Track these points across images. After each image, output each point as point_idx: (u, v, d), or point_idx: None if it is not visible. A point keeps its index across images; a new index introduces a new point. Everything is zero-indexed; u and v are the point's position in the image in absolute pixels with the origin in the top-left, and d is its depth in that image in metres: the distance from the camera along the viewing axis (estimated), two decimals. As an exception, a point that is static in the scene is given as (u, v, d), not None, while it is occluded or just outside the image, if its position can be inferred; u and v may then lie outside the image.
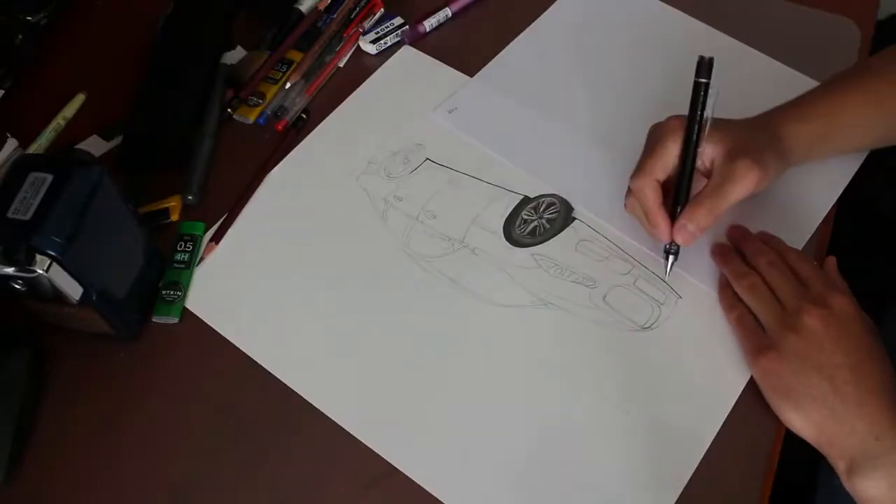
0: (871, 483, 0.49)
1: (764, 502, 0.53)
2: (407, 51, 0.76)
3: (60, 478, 0.55)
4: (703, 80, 0.57)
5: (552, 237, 0.63)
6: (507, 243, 0.63)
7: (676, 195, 0.58)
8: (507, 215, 0.65)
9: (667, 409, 0.55)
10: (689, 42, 0.73)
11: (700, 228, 0.56)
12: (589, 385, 0.56)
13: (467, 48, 0.75)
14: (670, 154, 0.57)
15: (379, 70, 0.74)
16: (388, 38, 0.75)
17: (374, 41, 0.75)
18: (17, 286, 0.51)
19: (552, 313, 0.60)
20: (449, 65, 0.74)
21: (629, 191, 0.59)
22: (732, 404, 0.55)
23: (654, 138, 0.58)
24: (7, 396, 0.55)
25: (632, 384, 0.56)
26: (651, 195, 0.57)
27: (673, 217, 0.57)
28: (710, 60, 0.57)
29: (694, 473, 0.53)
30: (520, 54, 0.74)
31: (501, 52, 0.74)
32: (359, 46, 0.76)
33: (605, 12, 0.77)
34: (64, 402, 0.57)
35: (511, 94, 0.71)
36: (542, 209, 0.65)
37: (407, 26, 0.76)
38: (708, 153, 0.57)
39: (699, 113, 0.56)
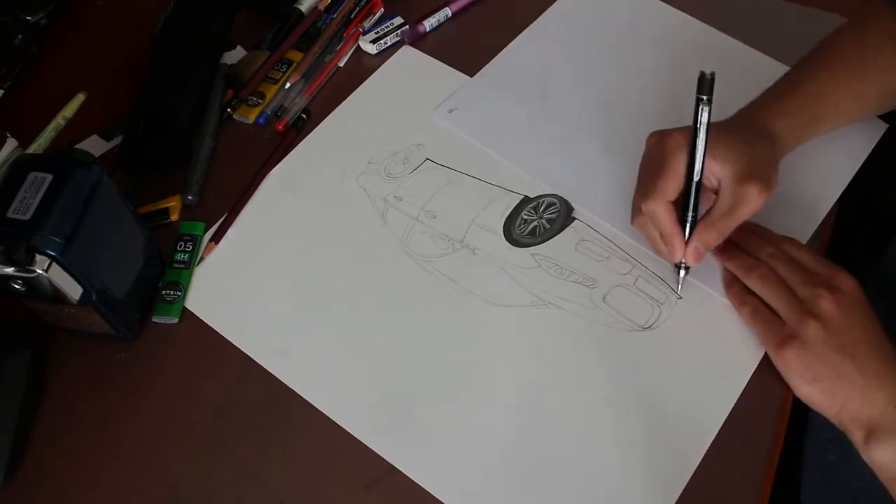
0: (889, 449, 0.50)
1: (764, 502, 0.53)
2: (407, 51, 0.75)
3: (60, 478, 0.55)
4: (705, 97, 0.55)
5: (552, 237, 0.63)
6: (507, 243, 0.63)
7: (683, 214, 0.58)
8: (507, 215, 0.65)
9: (667, 409, 0.55)
10: (690, 41, 0.73)
11: (709, 248, 0.58)
12: (589, 385, 0.56)
13: (467, 48, 0.75)
14: (679, 174, 0.57)
15: (379, 70, 0.74)
16: (388, 37, 0.75)
17: (374, 41, 0.75)
18: (17, 286, 0.51)
19: (552, 313, 0.60)
20: (449, 65, 0.74)
21: (638, 210, 0.59)
22: (733, 404, 0.55)
23: (660, 156, 0.58)
24: (7, 396, 0.55)
25: (632, 384, 0.56)
26: (667, 218, 0.57)
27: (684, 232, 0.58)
28: (712, 77, 0.55)
29: (694, 473, 0.53)
30: (519, 54, 0.74)
31: (501, 52, 0.74)
32: (359, 46, 0.76)
33: (604, 11, 0.77)
34: (64, 402, 0.57)
35: (511, 94, 0.71)
36: (542, 209, 0.64)
37: (407, 26, 0.76)
38: (715, 172, 0.57)
39: (704, 131, 0.56)
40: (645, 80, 0.71)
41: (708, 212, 0.58)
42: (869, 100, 0.64)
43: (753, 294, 0.58)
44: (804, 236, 0.62)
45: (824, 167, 0.65)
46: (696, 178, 0.56)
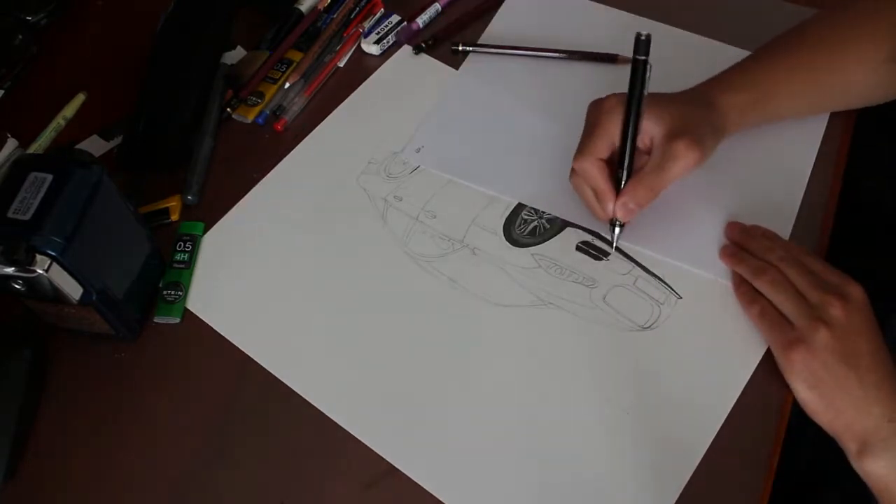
0: (880, 462, 0.50)
1: (764, 502, 0.53)
2: (406, 50, 0.76)
3: (60, 478, 0.55)
4: (643, 58, 0.56)
5: (552, 237, 0.63)
6: (507, 243, 0.63)
7: (618, 173, 0.59)
8: (507, 215, 0.65)
9: (666, 409, 0.55)
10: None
11: (640, 206, 0.58)
12: (589, 385, 0.56)
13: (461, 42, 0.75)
14: (611, 134, 0.58)
15: (379, 70, 0.74)
16: (389, 36, 0.75)
17: (377, 41, 0.75)
18: (17, 286, 0.51)
19: (552, 313, 0.60)
20: (448, 63, 0.74)
21: (573, 170, 0.60)
22: (732, 404, 0.55)
23: (595, 117, 0.59)
24: (7, 396, 0.55)
25: (632, 384, 0.56)
26: (598, 174, 0.59)
27: (617, 192, 0.59)
28: (648, 38, 0.56)
29: (694, 473, 0.53)
30: (473, 75, 0.73)
31: (450, 80, 0.73)
32: (359, 46, 0.76)
33: (549, 14, 0.77)
34: (64, 401, 0.57)
35: (473, 119, 0.70)
36: (542, 209, 0.64)
37: (405, 23, 0.76)
38: (647, 131, 0.58)
39: (640, 91, 0.57)
40: (609, 78, 0.71)
41: (639, 169, 0.59)
42: (832, 90, 0.64)
43: (762, 295, 0.58)
44: (787, 224, 0.63)
45: (781, 164, 0.66)
46: (630, 135, 0.57)
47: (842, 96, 0.65)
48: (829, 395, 0.53)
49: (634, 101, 0.57)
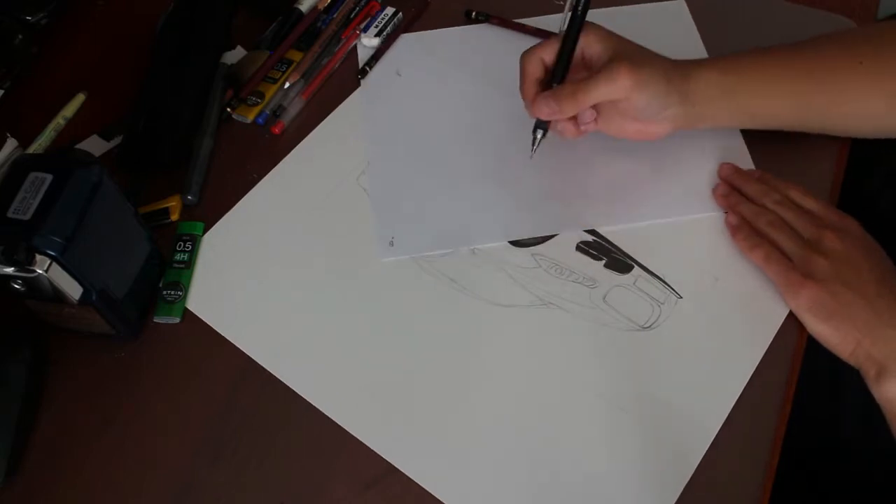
0: None
1: (764, 502, 0.53)
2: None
3: (60, 478, 0.55)
4: None
5: (552, 237, 0.63)
6: (507, 243, 0.63)
7: (552, 74, 0.60)
8: (506, 215, 0.65)
9: (666, 408, 0.55)
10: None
11: (560, 107, 0.58)
12: (589, 385, 0.56)
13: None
14: (556, 40, 0.60)
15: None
16: (388, 27, 0.75)
17: (377, 34, 0.75)
18: (17, 286, 0.51)
19: (552, 313, 0.60)
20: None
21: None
22: (732, 404, 0.55)
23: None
24: (7, 396, 0.55)
25: (632, 384, 0.56)
26: (529, 69, 0.60)
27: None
28: None
29: (694, 473, 0.53)
30: (386, 158, 0.69)
31: (369, 164, 0.68)
32: (358, 45, 0.76)
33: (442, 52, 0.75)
34: (64, 401, 0.57)
35: (424, 190, 0.66)
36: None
37: (400, 13, 0.76)
38: (596, 50, 0.59)
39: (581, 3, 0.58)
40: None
41: None
42: (813, 110, 0.62)
43: (761, 240, 0.59)
44: None
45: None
46: (567, 44, 0.59)
47: (820, 120, 0.63)
48: (844, 325, 0.54)
49: (577, 10, 0.58)
